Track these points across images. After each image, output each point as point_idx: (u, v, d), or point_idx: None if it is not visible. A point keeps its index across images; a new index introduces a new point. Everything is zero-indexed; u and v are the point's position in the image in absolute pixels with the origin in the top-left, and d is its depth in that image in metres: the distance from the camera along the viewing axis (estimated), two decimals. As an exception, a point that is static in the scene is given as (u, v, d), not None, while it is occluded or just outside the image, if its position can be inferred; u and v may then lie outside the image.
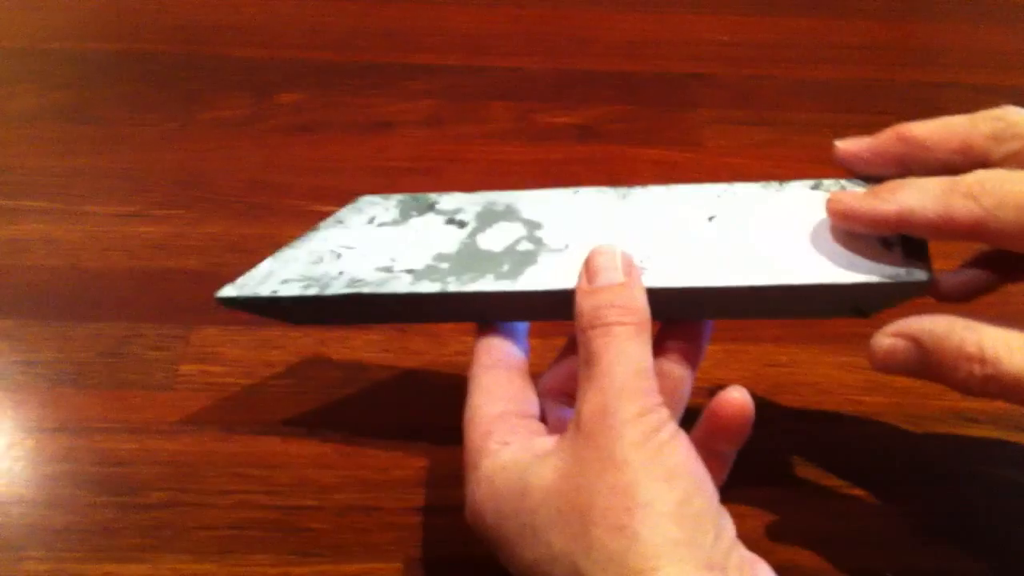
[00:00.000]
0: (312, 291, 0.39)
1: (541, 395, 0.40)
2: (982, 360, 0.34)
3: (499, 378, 0.39)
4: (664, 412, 0.34)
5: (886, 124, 0.66)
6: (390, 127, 0.65)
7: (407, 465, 0.45)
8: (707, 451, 0.35)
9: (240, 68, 0.69)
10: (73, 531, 0.42)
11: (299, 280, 0.40)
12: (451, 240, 0.40)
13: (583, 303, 0.36)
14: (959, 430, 0.47)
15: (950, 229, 0.35)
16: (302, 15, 0.74)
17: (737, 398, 0.35)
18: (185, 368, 0.48)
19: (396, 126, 0.65)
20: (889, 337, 0.36)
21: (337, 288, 0.39)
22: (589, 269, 0.36)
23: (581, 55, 0.72)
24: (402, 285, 0.39)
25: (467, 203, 0.42)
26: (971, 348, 0.34)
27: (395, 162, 0.62)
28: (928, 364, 0.35)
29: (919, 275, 0.36)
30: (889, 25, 0.77)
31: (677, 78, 0.71)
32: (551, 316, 0.39)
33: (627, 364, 0.34)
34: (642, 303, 0.35)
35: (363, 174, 0.61)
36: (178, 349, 0.49)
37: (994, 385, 0.34)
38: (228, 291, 0.41)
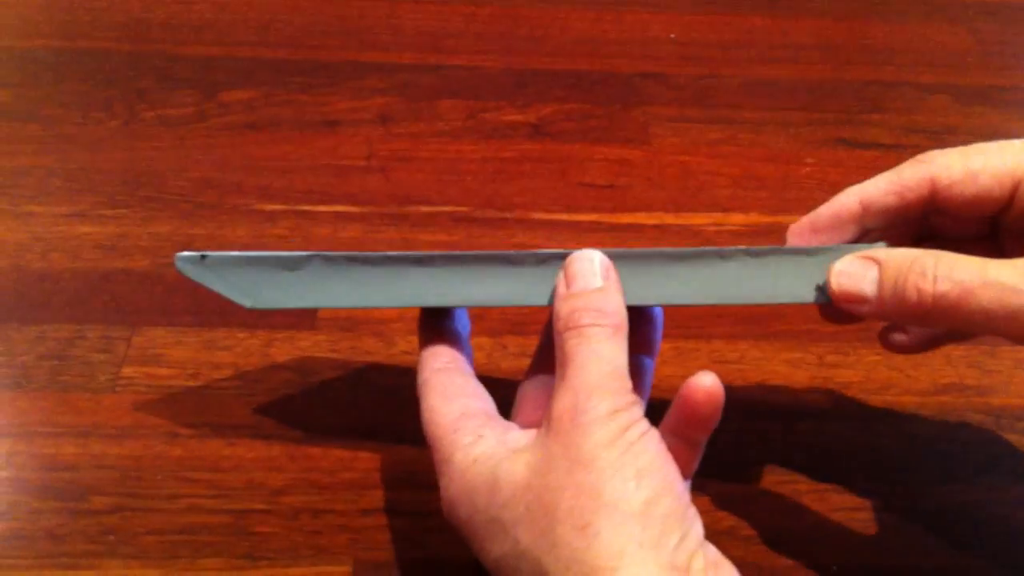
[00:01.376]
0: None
1: (520, 391, 0.41)
2: (935, 265, 0.34)
3: (453, 380, 0.39)
4: (636, 411, 0.34)
5: (835, 122, 0.68)
6: (341, 125, 0.64)
7: (357, 467, 0.45)
8: (678, 439, 0.36)
9: (189, 66, 0.68)
10: (17, 538, 0.41)
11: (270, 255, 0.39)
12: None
13: (560, 307, 0.36)
14: (904, 425, 0.48)
15: (904, 199, 0.38)
16: (253, 12, 0.73)
17: (708, 384, 0.35)
18: (130, 370, 0.48)
19: (347, 124, 0.64)
20: (850, 258, 0.37)
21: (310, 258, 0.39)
22: (567, 274, 0.37)
23: (534, 53, 0.72)
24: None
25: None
26: (926, 259, 0.34)
27: (346, 160, 0.62)
28: (883, 281, 0.36)
29: (879, 245, 0.37)
30: (841, 24, 0.78)
31: (630, 77, 0.71)
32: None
33: (600, 364, 0.34)
34: (618, 306, 0.36)
35: (314, 173, 0.60)
36: (123, 351, 0.48)
37: (943, 301, 0.34)
38: (190, 253, 0.40)
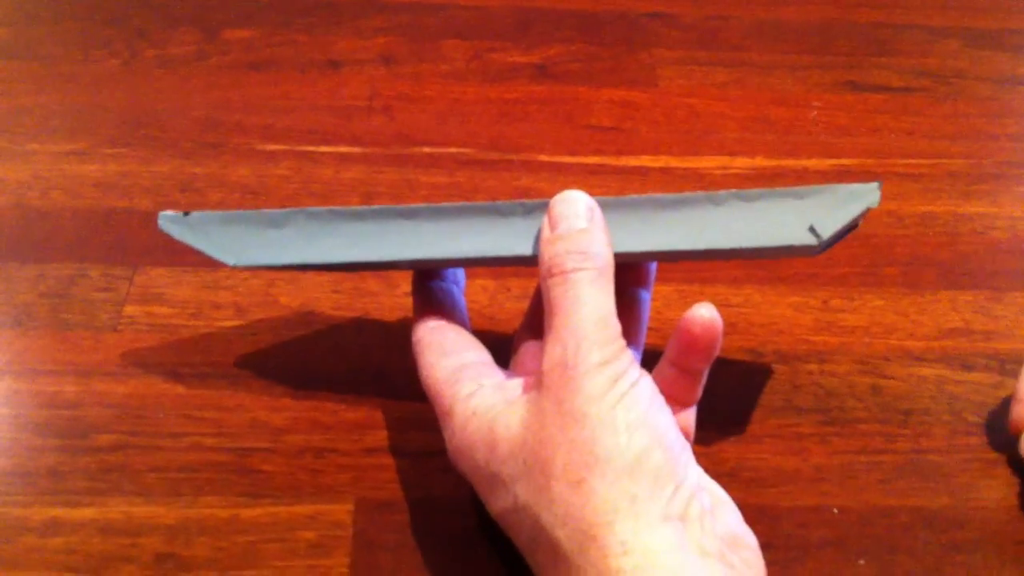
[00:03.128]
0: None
1: (517, 340, 0.41)
2: None
3: (447, 335, 0.39)
4: (626, 358, 0.33)
5: (843, 65, 0.67)
6: (344, 65, 0.64)
7: (360, 407, 0.45)
8: (680, 369, 0.36)
9: (189, 4, 0.67)
10: (18, 475, 0.41)
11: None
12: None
13: (544, 252, 0.35)
14: (910, 369, 0.48)
15: None
16: (253, -50, 0.72)
17: (705, 315, 0.35)
18: (131, 309, 0.47)
19: (350, 64, 0.64)
20: None
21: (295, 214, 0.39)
22: (551, 217, 0.36)
23: (539, -7, 0.71)
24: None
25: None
26: None
27: (349, 101, 0.61)
28: None
29: (873, 185, 0.36)
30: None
31: (637, 17, 0.70)
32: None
33: (586, 312, 0.33)
34: (602, 248, 0.35)
35: (316, 113, 0.60)
36: (123, 290, 0.48)
37: None
38: (172, 213, 0.39)
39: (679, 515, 0.31)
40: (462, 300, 0.41)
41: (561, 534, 0.31)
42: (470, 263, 0.39)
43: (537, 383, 0.34)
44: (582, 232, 0.35)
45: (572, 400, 0.32)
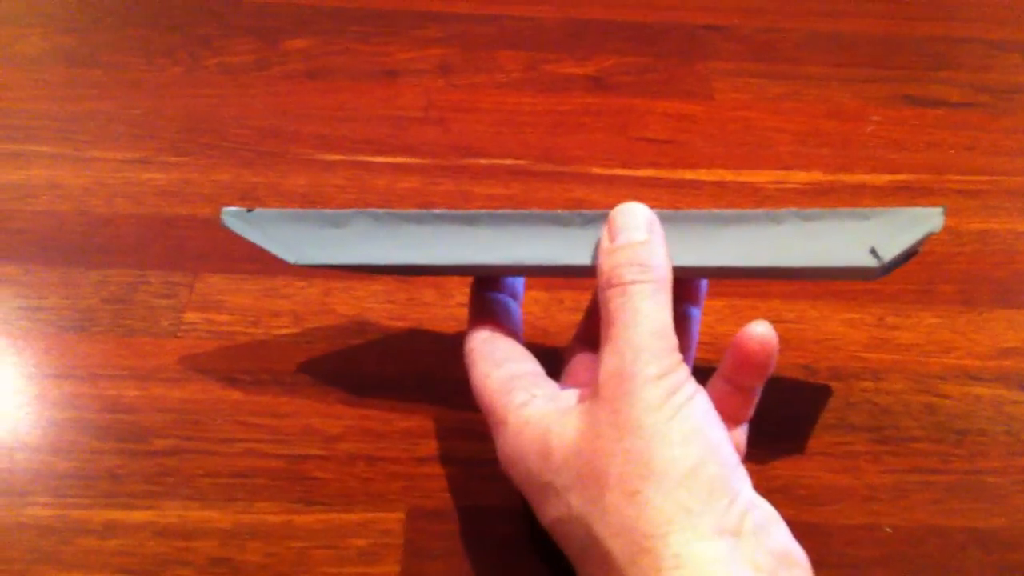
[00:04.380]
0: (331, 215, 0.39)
1: (568, 352, 0.41)
2: None
3: (499, 345, 0.39)
4: (683, 372, 0.34)
5: (901, 79, 0.66)
6: (400, 75, 0.64)
7: (412, 416, 0.45)
8: (733, 385, 0.36)
9: (249, 13, 0.68)
10: (78, 477, 0.42)
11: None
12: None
13: (604, 263, 0.36)
14: (966, 387, 0.47)
15: None
16: (312, -40, 0.73)
17: (761, 332, 0.35)
18: (191, 316, 0.48)
19: (406, 74, 0.64)
20: None
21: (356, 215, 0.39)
22: (611, 228, 0.36)
23: (594, 4, 0.72)
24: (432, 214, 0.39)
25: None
26: None
27: (404, 111, 0.61)
28: None
29: (938, 209, 0.36)
30: (908, -22, 0.76)
31: (692, 29, 0.70)
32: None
33: (644, 324, 0.34)
34: (661, 260, 0.35)
35: (372, 123, 0.60)
36: (184, 296, 0.49)
37: None
38: (236, 208, 0.40)
39: (732, 530, 0.31)
40: (518, 312, 0.42)
41: (613, 545, 0.31)
42: (527, 271, 0.39)
43: (593, 393, 0.34)
44: (642, 244, 0.35)
45: (628, 411, 0.32)
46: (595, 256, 0.37)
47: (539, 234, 0.38)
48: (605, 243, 0.36)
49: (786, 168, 0.59)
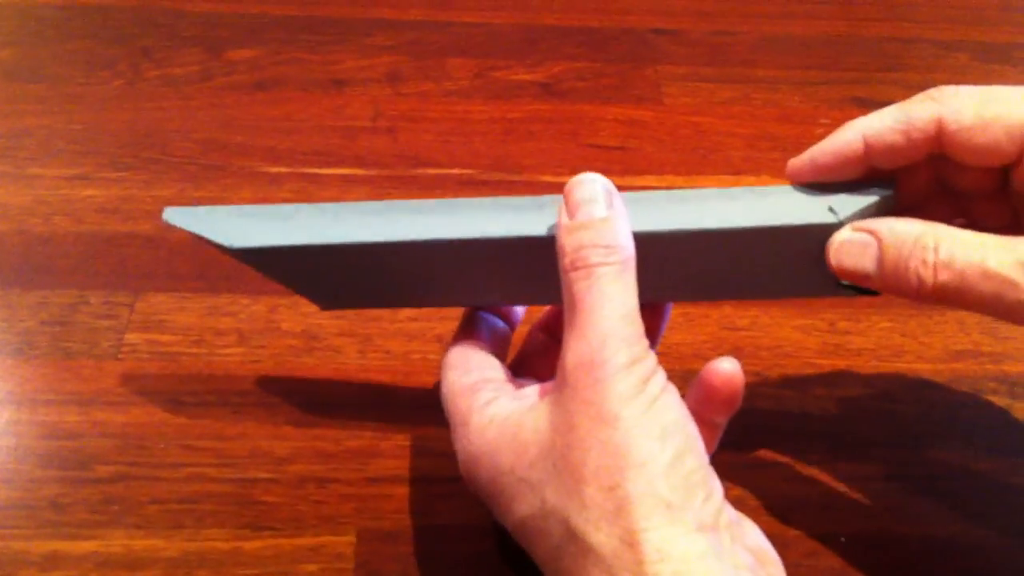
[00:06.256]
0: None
1: (530, 337, 0.41)
2: (936, 249, 0.33)
3: (473, 356, 0.38)
4: (652, 359, 0.33)
5: (850, 80, 0.66)
6: (347, 85, 0.63)
7: (363, 434, 0.44)
8: (698, 419, 0.35)
9: (193, 23, 0.67)
10: (18, 507, 0.41)
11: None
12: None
13: (564, 242, 0.34)
14: (919, 393, 0.47)
15: (909, 139, 0.35)
16: (258, -32, 0.72)
17: (727, 368, 0.35)
18: (133, 337, 0.47)
19: (354, 84, 0.64)
20: (849, 231, 0.35)
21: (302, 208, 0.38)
22: (570, 202, 0.34)
23: (545, 10, 0.71)
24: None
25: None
26: (927, 240, 0.33)
27: (353, 121, 0.61)
28: (884, 261, 0.34)
29: (889, 189, 0.36)
30: (858, -22, 0.77)
31: (643, 33, 0.70)
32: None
33: (611, 309, 0.32)
34: (625, 239, 0.34)
35: (320, 134, 0.59)
36: (125, 317, 0.48)
37: (943, 292, 0.33)
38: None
39: (711, 525, 0.31)
40: (507, 335, 0.41)
41: (596, 538, 0.31)
42: (481, 246, 0.37)
43: (560, 383, 0.33)
44: (604, 222, 0.33)
45: (601, 402, 0.31)
46: (551, 228, 0.35)
47: (492, 215, 0.37)
48: (564, 219, 0.34)
49: (737, 173, 0.59)
